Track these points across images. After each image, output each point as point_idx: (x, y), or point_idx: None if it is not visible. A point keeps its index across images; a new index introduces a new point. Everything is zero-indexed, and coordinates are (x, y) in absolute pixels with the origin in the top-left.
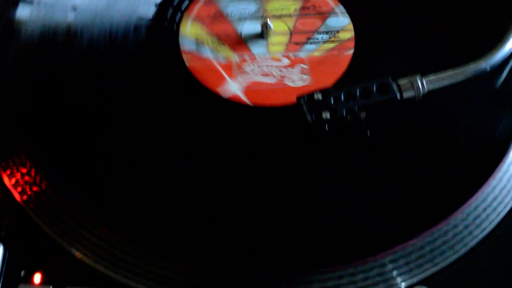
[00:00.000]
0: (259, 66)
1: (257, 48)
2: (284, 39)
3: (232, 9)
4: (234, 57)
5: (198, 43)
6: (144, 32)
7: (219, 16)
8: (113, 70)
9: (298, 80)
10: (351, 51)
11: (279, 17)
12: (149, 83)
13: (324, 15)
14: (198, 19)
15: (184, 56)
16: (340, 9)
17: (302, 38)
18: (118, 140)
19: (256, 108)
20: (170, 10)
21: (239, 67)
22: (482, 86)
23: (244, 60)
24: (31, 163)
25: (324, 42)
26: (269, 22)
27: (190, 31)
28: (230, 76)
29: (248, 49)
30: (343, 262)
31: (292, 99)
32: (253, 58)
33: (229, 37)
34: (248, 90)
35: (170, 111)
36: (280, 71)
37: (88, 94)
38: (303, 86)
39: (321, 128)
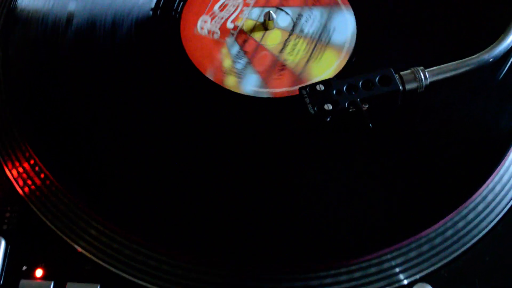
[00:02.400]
0: None
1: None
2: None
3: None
4: None
5: None
6: (145, 22)
7: None
8: (114, 60)
9: None
10: None
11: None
12: (151, 74)
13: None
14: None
15: None
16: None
17: None
18: (121, 133)
19: (257, 99)
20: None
21: None
22: (485, 79)
23: None
24: (33, 155)
25: None
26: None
27: None
28: None
29: None
30: (347, 258)
31: None
32: None
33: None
34: None
35: (171, 102)
36: None
37: (90, 85)
38: None
39: (323, 119)
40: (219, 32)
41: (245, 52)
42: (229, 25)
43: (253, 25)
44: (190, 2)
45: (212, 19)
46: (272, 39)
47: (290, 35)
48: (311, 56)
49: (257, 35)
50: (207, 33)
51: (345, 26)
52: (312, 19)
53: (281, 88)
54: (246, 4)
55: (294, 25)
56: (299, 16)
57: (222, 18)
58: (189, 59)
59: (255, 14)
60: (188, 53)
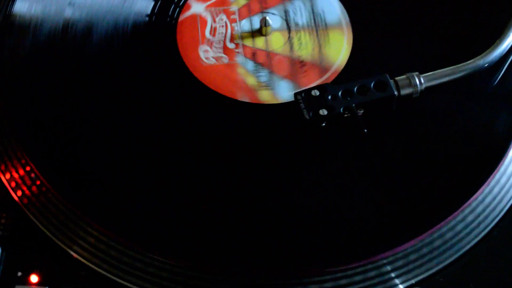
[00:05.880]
0: None
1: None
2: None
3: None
4: None
5: None
6: (142, 28)
7: None
8: (110, 66)
9: None
10: None
11: None
12: (148, 79)
13: None
14: None
15: None
16: None
17: None
18: (116, 138)
19: (254, 105)
20: (168, 6)
21: None
22: (480, 84)
23: None
24: (28, 162)
25: None
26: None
27: None
28: None
29: None
30: (342, 263)
31: None
32: None
33: None
34: None
35: (168, 108)
36: None
37: (86, 91)
38: None
39: (318, 125)
40: (225, 55)
41: (261, 64)
42: (230, 45)
43: (251, 36)
44: (181, 35)
45: (211, 46)
46: (276, 42)
47: (289, 32)
48: (320, 43)
49: (260, 44)
50: (215, 61)
51: (331, 4)
52: (299, 10)
53: (312, 83)
54: (232, 20)
55: (287, 22)
56: (286, 12)
57: (219, 41)
58: (186, 66)
59: (247, 26)
60: (210, 85)
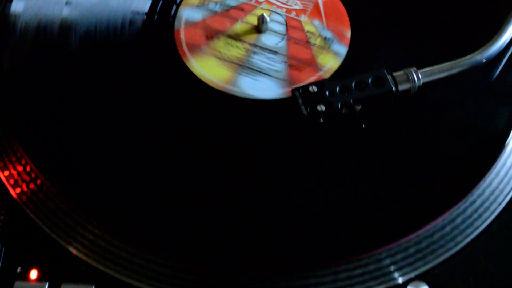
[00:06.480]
0: None
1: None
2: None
3: None
4: None
5: None
6: (139, 26)
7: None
8: (108, 65)
9: None
10: None
11: None
12: (146, 78)
13: None
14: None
15: None
16: None
17: None
18: (115, 136)
19: (253, 101)
20: (165, 4)
21: None
22: (478, 79)
23: None
24: (26, 158)
25: None
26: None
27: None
28: None
29: None
30: (340, 258)
31: None
32: None
33: None
34: None
35: (166, 105)
36: None
37: (84, 89)
38: None
39: (316, 120)
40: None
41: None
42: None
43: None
44: None
45: None
46: (246, 34)
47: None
48: (219, 56)
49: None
50: None
51: (262, 88)
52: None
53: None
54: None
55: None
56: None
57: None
58: (184, 63)
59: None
60: None
